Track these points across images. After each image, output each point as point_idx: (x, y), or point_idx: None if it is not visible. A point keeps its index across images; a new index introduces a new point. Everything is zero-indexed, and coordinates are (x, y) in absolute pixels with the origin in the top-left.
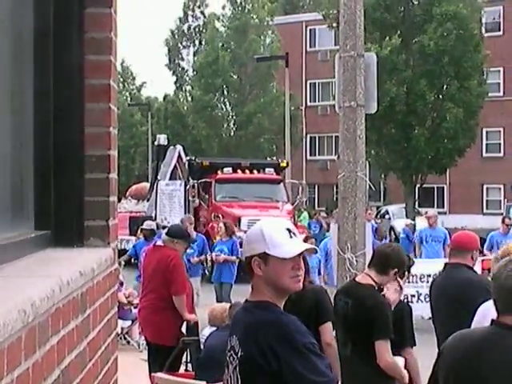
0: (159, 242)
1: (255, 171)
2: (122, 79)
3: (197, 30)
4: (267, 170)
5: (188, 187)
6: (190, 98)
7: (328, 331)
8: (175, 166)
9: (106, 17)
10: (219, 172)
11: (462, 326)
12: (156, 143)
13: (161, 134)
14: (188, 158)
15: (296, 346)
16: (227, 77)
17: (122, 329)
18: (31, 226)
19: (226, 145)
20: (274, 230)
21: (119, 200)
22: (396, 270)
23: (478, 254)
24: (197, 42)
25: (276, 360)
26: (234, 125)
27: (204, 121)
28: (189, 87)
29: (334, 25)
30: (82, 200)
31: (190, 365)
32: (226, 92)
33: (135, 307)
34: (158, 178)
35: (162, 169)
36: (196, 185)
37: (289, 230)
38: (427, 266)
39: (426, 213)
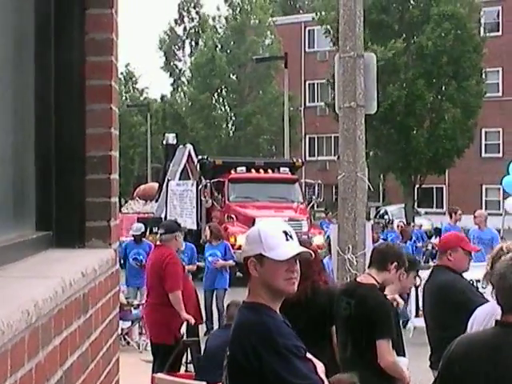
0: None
1: (269, 171)
2: (124, 81)
3: (192, 30)
4: (282, 169)
5: (200, 187)
6: (186, 99)
7: None
8: (185, 166)
9: (107, 17)
10: (232, 171)
11: (442, 328)
12: (164, 142)
13: (169, 134)
14: (200, 157)
15: (277, 348)
16: (225, 77)
17: (122, 329)
18: (33, 226)
19: (225, 145)
20: (270, 232)
21: (121, 201)
22: (395, 263)
23: (462, 252)
24: (193, 43)
25: (258, 361)
26: (232, 125)
27: (202, 121)
28: (185, 88)
29: (329, 27)
30: (83, 201)
31: (190, 365)
32: (224, 92)
33: (135, 308)
34: (168, 177)
35: (171, 168)
36: (209, 185)
37: (285, 233)
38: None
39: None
